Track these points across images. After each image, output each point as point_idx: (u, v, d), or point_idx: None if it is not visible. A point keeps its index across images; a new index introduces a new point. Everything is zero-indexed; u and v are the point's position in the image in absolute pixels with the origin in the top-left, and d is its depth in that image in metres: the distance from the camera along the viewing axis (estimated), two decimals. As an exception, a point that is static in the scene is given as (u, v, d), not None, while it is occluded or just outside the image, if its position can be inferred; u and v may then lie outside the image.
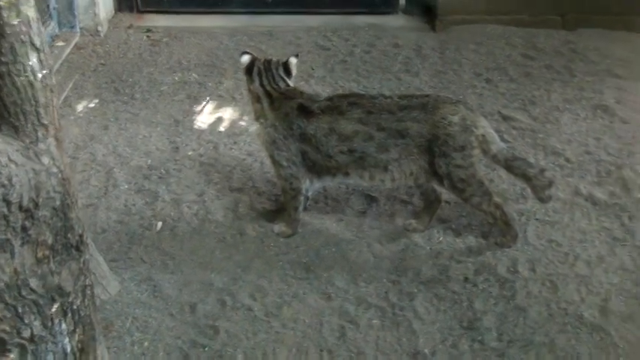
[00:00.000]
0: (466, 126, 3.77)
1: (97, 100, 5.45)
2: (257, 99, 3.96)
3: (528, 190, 4.04)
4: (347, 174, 3.93)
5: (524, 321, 3.44)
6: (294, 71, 4.03)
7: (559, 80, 5.60)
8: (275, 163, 3.96)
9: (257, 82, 3.95)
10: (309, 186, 4.01)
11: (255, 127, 4.06)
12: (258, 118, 3.99)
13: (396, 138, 3.80)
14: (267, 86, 3.95)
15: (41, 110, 2.36)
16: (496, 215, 3.90)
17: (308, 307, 3.56)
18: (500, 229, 3.96)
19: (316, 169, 3.94)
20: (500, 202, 3.92)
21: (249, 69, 3.98)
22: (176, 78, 5.77)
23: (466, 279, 3.70)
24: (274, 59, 4.03)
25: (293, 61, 4.02)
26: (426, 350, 3.30)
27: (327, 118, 3.85)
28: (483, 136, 3.81)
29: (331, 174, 3.95)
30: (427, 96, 3.99)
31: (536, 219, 4.11)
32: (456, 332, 3.40)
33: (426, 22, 6.75)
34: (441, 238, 4.00)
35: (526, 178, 3.88)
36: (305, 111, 3.88)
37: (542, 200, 3.95)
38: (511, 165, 3.87)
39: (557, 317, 3.46)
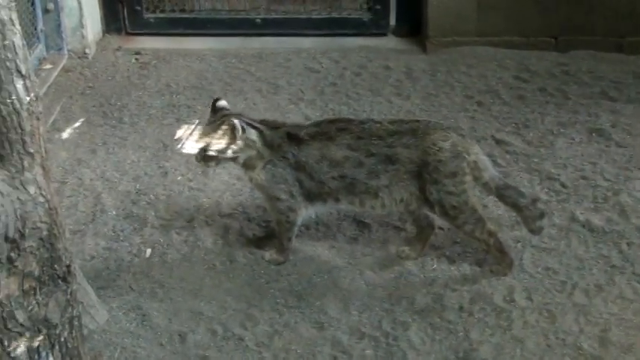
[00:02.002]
0: (457, 152, 3.73)
1: (85, 124, 5.38)
2: (249, 146, 3.82)
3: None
4: (338, 200, 3.87)
5: (522, 352, 3.37)
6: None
7: (553, 103, 5.54)
8: (273, 199, 3.88)
9: (249, 127, 3.83)
10: (304, 214, 3.95)
11: (248, 176, 3.95)
12: (252, 165, 3.87)
13: (386, 164, 3.75)
14: (257, 124, 3.88)
15: (27, 138, 2.30)
16: (489, 243, 3.84)
17: (300, 336, 3.49)
18: (494, 257, 3.90)
19: (310, 197, 3.88)
20: (494, 229, 3.87)
21: (237, 124, 3.78)
22: (164, 101, 5.71)
23: (461, 308, 3.64)
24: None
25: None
26: (422, 382, 3.24)
27: (316, 144, 3.80)
28: (475, 162, 3.76)
29: (323, 200, 3.89)
30: (417, 121, 3.95)
31: (532, 246, 4.03)
32: (451, 363, 3.34)
33: (416, 44, 6.71)
34: (434, 266, 3.93)
35: (517, 208, 3.84)
36: (294, 138, 3.83)
37: (533, 232, 3.91)
38: (502, 194, 3.83)
39: (556, 348, 3.39)
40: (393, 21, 6.91)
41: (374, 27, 6.92)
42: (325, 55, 6.47)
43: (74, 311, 2.61)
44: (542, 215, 3.86)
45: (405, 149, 3.74)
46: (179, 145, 5.09)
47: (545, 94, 5.69)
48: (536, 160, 4.81)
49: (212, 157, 3.80)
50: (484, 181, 3.79)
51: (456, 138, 3.77)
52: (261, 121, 3.94)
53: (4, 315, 2.29)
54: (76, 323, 2.63)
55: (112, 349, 3.41)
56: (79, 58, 6.35)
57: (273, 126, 3.92)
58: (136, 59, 6.42)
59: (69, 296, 2.55)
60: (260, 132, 3.84)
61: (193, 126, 5.32)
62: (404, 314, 3.61)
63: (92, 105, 5.65)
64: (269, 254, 3.98)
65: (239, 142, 3.76)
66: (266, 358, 3.37)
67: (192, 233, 4.17)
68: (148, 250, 4.04)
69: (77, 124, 5.38)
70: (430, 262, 3.95)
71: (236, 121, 3.75)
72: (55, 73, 6.06)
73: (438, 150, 3.71)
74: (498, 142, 5.04)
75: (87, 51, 6.39)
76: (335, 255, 4.02)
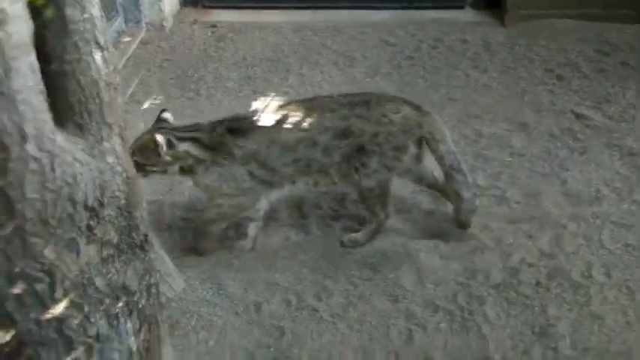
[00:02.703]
0: (408, 126, 3.72)
1: (162, 96, 5.45)
2: (181, 158, 3.72)
3: (604, 191, 3.93)
4: (294, 182, 3.83)
5: (600, 328, 3.31)
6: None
7: (634, 77, 5.40)
8: (223, 196, 3.79)
9: (180, 141, 3.71)
10: (264, 205, 3.92)
11: (193, 180, 3.87)
12: (192, 170, 3.78)
13: (340, 139, 3.72)
14: (191, 134, 3.77)
15: (105, 109, 2.33)
16: (380, 221, 3.89)
17: (374, 308, 3.49)
18: (366, 232, 3.91)
19: (265, 186, 3.81)
20: (389, 212, 3.92)
21: (160, 141, 3.66)
22: (241, 74, 5.73)
23: (538, 283, 3.58)
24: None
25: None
26: (496, 356, 3.20)
27: (264, 130, 3.74)
28: (430, 133, 3.74)
29: (280, 185, 3.83)
30: (370, 94, 3.99)
31: (612, 222, 3.95)
32: (527, 338, 3.29)
33: (494, 17, 6.59)
34: (511, 240, 3.88)
35: (457, 196, 3.81)
36: (237, 131, 3.74)
37: (460, 225, 3.88)
38: (451, 175, 3.78)
39: (635, 325, 3.32)
40: (471, -7, 6.82)
41: (451, -1, 6.83)
42: (401, 28, 6.42)
43: (151, 279, 2.63)
44: (473, 212, 3.85)
45: (358, 120, 3.71)
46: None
47: (627, 68, 5.55)
48: (616, 135, 4.71)
49: (140, 168, 3.42)
50: (440, 154, 3.76)
51: (409, 110, 3.75)
52: (195, 128, 3.81)
53: (84, 281, 2.32)
54: (153, 291, 2.66)
55: (189, 316, 3.47)
56: (156, 30, 6.42)
57: (211, 127, 3.78)
58: (212, 32, 6.46)
59: (146, 264, 2.57)
60: (195, 140, 3.73)
61: (269, 98, 5.33)
62: (479, 288, 3.57)
63: (170, 77, 5.72)
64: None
65: (166, 158, 3.67)
66: (340, 329, 3.38)
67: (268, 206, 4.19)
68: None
69: (155, 96, 5.44)
70: (506, 237, 3.89)
71: (159, 138, 3.63)
72: (134, 46, 6.14)
73: (389, 122, 3.68)
74: (578, 116, 4.95)
75: (164, 24, 6.45)
76: (410, 228, 4.00)
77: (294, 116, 3.75)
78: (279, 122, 3.74)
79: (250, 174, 3.74)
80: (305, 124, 3.72)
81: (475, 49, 6.04)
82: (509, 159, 4.52)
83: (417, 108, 3.83)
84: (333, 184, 3.84)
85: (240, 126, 3.76)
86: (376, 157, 3.71)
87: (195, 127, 3.83)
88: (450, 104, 5.19)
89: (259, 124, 3.76)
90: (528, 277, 3.62)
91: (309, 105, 3.81)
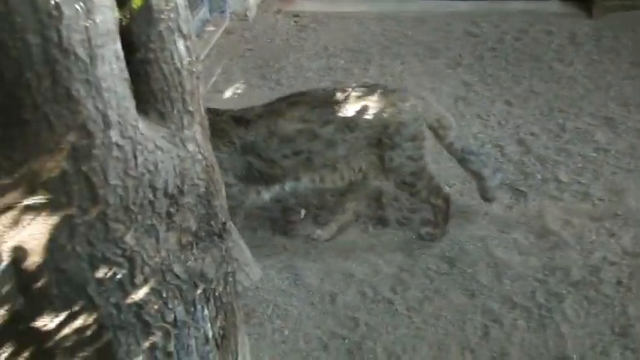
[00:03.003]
0: (417, 114, 3.67)
1: (244, 86, 5.49)
2: None
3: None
4: (298, 179, 3.71)
5: (683, 331, 3.23)
6: None
7: None
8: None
9: None
10: (255, 198, 3.78)
11: None
12: None
13: (345, 132, 3.62)
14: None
15: (187, 97, 2.35)
16: (443, 208, 3.85)
17: (450, 303, 3.46)
18: (437, 222, 3.88)
19: (263, 179, 3.70)
20: (448, 194, 3.87)
21: None
22: (321, 64, 5.74)
23: (619, 282, 3.51)
24: None
25: None
26: (574, 355, 3.14)
27: (263, 121, 3.63)
28: (438, 121, 3.71)
29: (279, 181, 3.71)
30: (374, 85, 3.94)
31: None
32: (606, 338, 3.22)
33: (581, 8, 6.46)
34: (593, 237, 3.80)
35: (478, 176, 3.82)
36: (240, 120, 3.65)
37: (487, 200, 3.92)
38: (466, 158, 3.78)
39: None
40: (557, -16, 6.69)
41: (537, -10, 6.71)
42: (485, 19, 6.35)
43: (229, 267, 2.65)
44: (498, 187, 3.90)
45: (364, 112, 3.64)
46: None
47: None
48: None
49: None
50: (449, 141, 3.74)
51: (414, 99, 3.70)
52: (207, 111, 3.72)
53: (163, 268, 2.35)
54: (230, 279, 2.68)
55: (265, 306, 3.49)
56: (240, 20, 6.47)
57: (219, 113, 3.69)
58: (295, 22, 6.48)
59: (224, 253, 2.59)
60: None
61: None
62: (558, 286, 3.51)
63: (251, 66, 5.76)
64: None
65: None
66: (416, 322, 3.36)
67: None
68: (303, 211, 4.09)
69: (237, 85, 5.48)
70: (588, 234, 3.81)
71: None
72: (217, 35, 6.20)
73: (397, 112, 3.61)
74: (665, 111, 4.82)
75: (248, 14, 6.50)
76: (489, 223, 3.95)
77: (296, 108, 3.65)
78: (279, 114, 3.64)
79: (249, 165, 3.65)
80: (306, 116, 3.62)
81: (560, 40, 5.93)
82: (594, 154, 4.43)
83: (422, 97, 3.83)
84: (341, 179, 3.73)
85: (244, 116, 3.68)
86: (395, 150, 3.66)
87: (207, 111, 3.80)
88: (532, 97, 5.11)
89: (262, 115, 3.67)
90: (609, 276, 3.54)
91: (309, 98, 3.71)
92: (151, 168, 2.18)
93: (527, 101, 5.02)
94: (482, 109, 4.99)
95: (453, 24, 6.28)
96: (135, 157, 2.11)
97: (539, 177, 4.25)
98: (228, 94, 5.36)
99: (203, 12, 6.29)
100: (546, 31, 6.10)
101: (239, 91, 5.38)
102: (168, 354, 2.42)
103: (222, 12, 6.43)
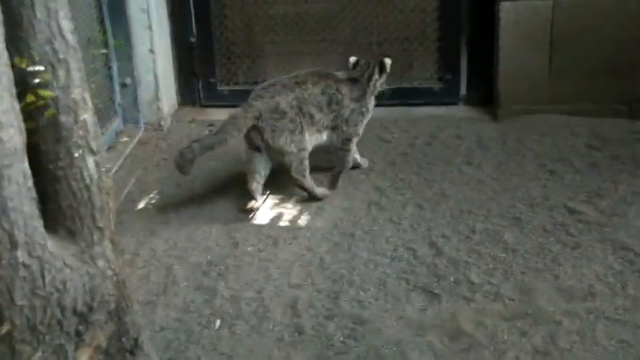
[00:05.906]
0: None
1: (158, 196, 5.50)
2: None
3: (597, 286, 3.94)
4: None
5: None
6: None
7: (626, 172, 5.45)
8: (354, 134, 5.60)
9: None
10: None
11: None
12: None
13: None
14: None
15: (97, 213, 2.36)
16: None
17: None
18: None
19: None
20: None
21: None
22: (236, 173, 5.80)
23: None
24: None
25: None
26: None
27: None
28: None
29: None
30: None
31: (606, 317, 3.90)
32: None
33: (487, 113, 6.71)
34: (505, 337, 3.85)
35: None
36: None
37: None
38: None
39: None
40: (463, 90, 6.96)
41: (445, 96, 6.96)
42: (396, 125, 6.51)
43: (142, 383, 2.63)
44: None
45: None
46: (250, 216, 5.14)
47: (619, 162, 5.61)
48: (608, 229, 4.71)
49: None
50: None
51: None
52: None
53: (73, 387, 2.32)
54: (143, 395, 2.65)
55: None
56: (154, 130, 6.53)
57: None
58: (210, 130, 6.54)
59: (136, 368, 2.57)
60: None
61: (264, 197, 5.38)
62: (474, 388, 3.54)
63: (166, 177, 5.77)
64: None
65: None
66: None
67: (262, 304, 4.18)
68: (218, 321, 4.06)
69: (151, 195, 5.49)
70: (501, 334, 3.86)
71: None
72: (132, 146, 6.22)
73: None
74: (571, 211, 4.97)
75: (162, 123, 6.56)
76: (403, 326, 3.97)
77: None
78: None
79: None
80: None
81: (469, 144, 6.12)
82: (503, 254, 4.53)
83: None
84: None
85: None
86: None
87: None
88: (443, 200, 5.23)
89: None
90: (523, 376, 3.60)
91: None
92: (60, 286, 2.18)
93: (438, 204, 5.14)
94: (395, 213, 5.08)
95: (365, 130, 6.42)
96: (43, 276, 2.10)
97: (451, 279, 4.31)
98: (142, 203, 5.36)
99: (117, 123, 6.31)
100: (455, 135, 6.29)
101: (153, 201, 5.39)
102: None
103: (136, 122, 6.47)
